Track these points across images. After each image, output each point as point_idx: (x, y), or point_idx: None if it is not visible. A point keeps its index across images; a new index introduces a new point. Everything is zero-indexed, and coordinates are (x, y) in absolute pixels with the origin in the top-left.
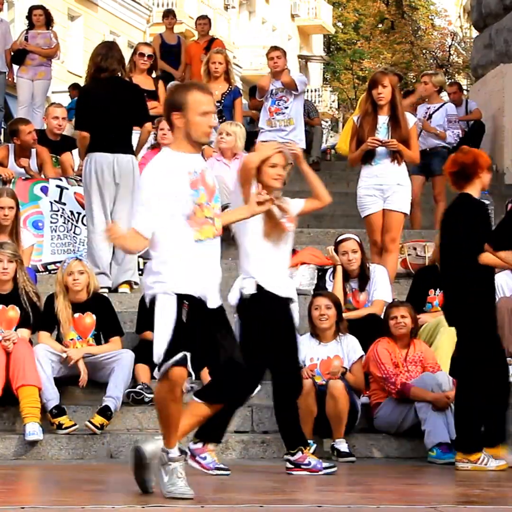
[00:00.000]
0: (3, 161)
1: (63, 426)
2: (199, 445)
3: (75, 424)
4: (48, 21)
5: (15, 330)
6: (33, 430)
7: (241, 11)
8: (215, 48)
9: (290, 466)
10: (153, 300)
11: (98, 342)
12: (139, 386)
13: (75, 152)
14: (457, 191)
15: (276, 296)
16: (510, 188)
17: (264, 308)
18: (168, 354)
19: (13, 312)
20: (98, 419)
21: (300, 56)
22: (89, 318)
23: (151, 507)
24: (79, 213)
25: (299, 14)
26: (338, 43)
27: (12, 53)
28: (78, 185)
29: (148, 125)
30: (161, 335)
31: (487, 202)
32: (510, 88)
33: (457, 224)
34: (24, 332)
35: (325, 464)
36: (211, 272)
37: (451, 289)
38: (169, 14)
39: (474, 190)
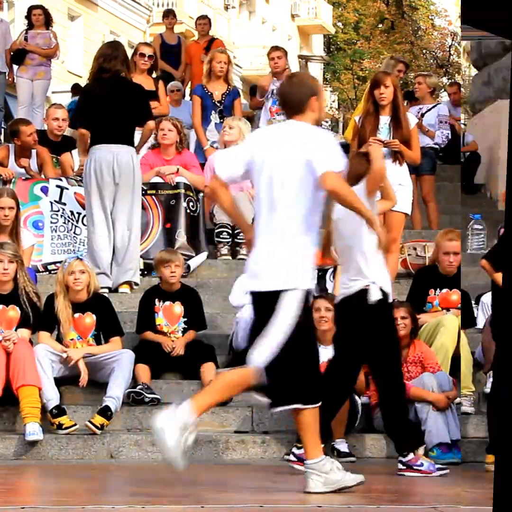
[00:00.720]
0: (3, 161)
1: (63, 426)
2: (410, 455)
3: (75, 424)
4: (48, 21)
5: (15, 330)
6: (33, 430)
7: (241, 11)
8: (218, 48)
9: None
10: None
11: (98, 342)
12: (139, 386)
13: (75, 152)
14: None
15: (392, 300)
16: (502, 214)
17: (390, 312)
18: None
19: (13, 312)
20: (98, 419)
21: (300, 56)
22: (89, 318)
23: (151, 507)
24: (79, 213)
25: (299, 14)
26: (338, 43)
27: (11, 53)
28: (79, 185)
29: (151, 122)
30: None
31: (480, 227)
32: (506, 123)
33: None
34: (24, 332)
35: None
36: None
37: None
38: (169, 14)
39: None
